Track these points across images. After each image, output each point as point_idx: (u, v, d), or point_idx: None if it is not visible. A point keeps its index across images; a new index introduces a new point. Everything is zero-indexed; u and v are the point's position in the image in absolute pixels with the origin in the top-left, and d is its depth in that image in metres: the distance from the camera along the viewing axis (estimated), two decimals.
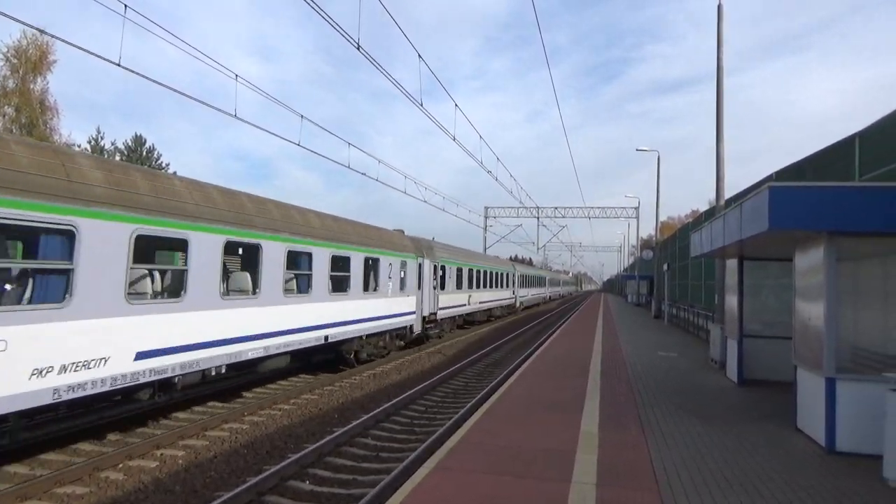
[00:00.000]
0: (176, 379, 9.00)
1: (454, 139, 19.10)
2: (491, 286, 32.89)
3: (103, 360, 7.59)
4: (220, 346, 9.81)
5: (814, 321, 7.33)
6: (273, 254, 11.21)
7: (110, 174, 7.99)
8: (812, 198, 6.92)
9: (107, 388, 7.69)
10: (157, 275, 9.52)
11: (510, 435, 7.34)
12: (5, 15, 8.40)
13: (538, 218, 56.38)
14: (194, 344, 9.23)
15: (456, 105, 18.74)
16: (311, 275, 12.58)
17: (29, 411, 6.92)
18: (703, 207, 46.55)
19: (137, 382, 8.23)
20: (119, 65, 9.54)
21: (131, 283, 8.35)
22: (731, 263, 12.47)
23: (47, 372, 6.80)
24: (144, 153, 46.17)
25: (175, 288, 9.53)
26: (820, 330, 7.04)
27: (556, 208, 56.57)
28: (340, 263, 14.08)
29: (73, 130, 43.23)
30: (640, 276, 49.53)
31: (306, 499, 6.84)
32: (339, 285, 14.13)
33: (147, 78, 10.77)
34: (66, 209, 7.05)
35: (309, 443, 8.86)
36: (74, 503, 6.63)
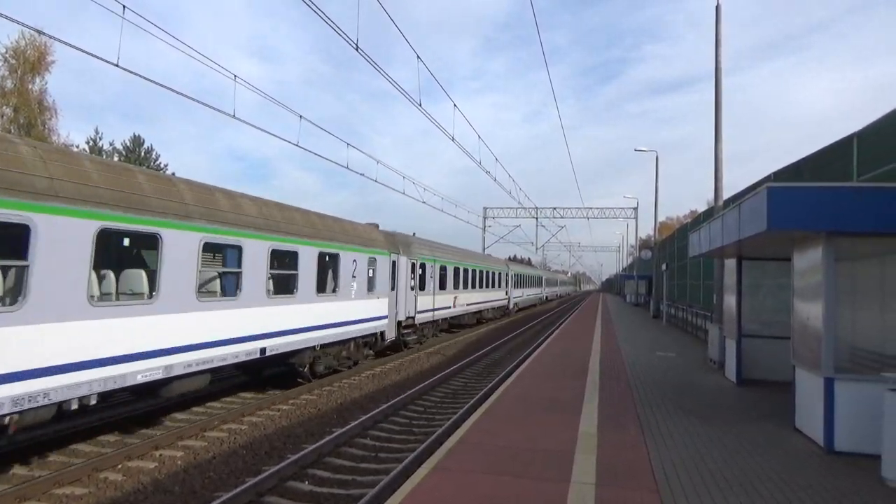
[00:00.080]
0: (6, 419, 6.46)
1: (453, 139, 19.13)
2: (481, 286, 30.78)
3: None
4: (85, 368, 7.26)
5: (812, 321, 7.35)
6: (181, 247, 8.82)
7: None
8: (810, 198, 6.94)
9: None
10: None
11: (509, 435, 7.34)
12: (3, 16, 8.40)
13: (537, 218, 56.43)
14: (41, 368, 6.67)
15: (455, 105, 18.77)
16: (240, 273, 10.21)
17: None
18: (702, 207, 46.72)
19: None
20: (118, 65, 9.55)
21: None
22: (730, 263, 12.49)
23: None
24: (143, 154, 46.11)
25: (13, 291, 6.94)
26: (818, 330, 7.06)
27: (554, 209, 56.60)
28: (285, 259, 11.90)
29: (71, 131, 43.21)
30: (639, 276, 49.59)
31: (305, 499, 6.83)
32: (283, 286, 12.01)
33: (146, 78, 10.78)
34: None
35: (308, 443, 8.86)
36: None
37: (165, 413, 10.42)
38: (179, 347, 8.82)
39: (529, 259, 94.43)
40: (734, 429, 8.02)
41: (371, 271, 15.78)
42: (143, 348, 8.17)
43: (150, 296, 8.54)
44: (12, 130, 33.96)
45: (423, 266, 20.74)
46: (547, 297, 66.21)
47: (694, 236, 13.62)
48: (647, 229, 65.32)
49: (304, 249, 12.19)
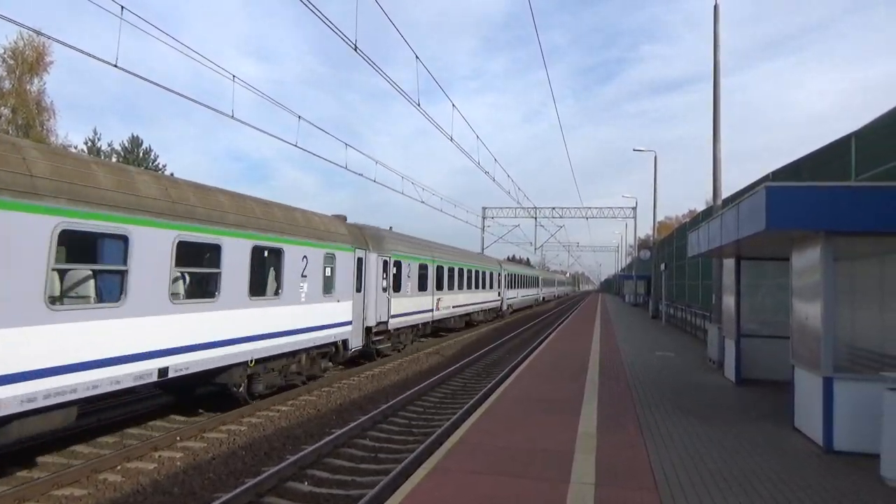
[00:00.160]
0: None
1: (451, 139, 19.14)
2: (469, 287, 28.50)
3: None
4: None
5: (811, 321, 7.36)
6: (22, 236, 6.44)
7: None
8: (809, 198, 6.95)
9: None
10: None
11: (509, 435, 7.34)
12: (2, 16, 8.38)
13: (536, 218, 56.47)
14: None
15: (453, 105, 18.79)
16: (126, 272, 7.87)
17: None
18: (701, 207, 46.76)
19: None
20: (116, 66, 9.54)
21: None
22: (729, 263, 12.50)
23: None
24: (141, 154, 46.10)
25: None
26: (817, 329, 7.06)
27: (553, 208, 56.67)
28: (203, 255, 9.79)
29: (70, 132, 43.11)
30: (638, 276, 49.64)
31: (305, 500, 6.83)
32: (198, 288, 9.89)
33: (144, 79, 10.78)
34: None
35: (307, 444, 8.85)
36: None
37: (164, 414, 10.41)
38: (22, 374, 6.45)
39: (528, 259, 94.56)
40: (733, 428, 8.03)
41: (328, 270, 13.51)
42: None
43: None
44: (10, 131, 33.93)
45: (397, 264, 18.54)
46: (544, 298, 65.32)
47: (693, 236, 13.63)
48: (645, 229, 65.44)
49: (230, 242, 9.89)
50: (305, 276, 12.37)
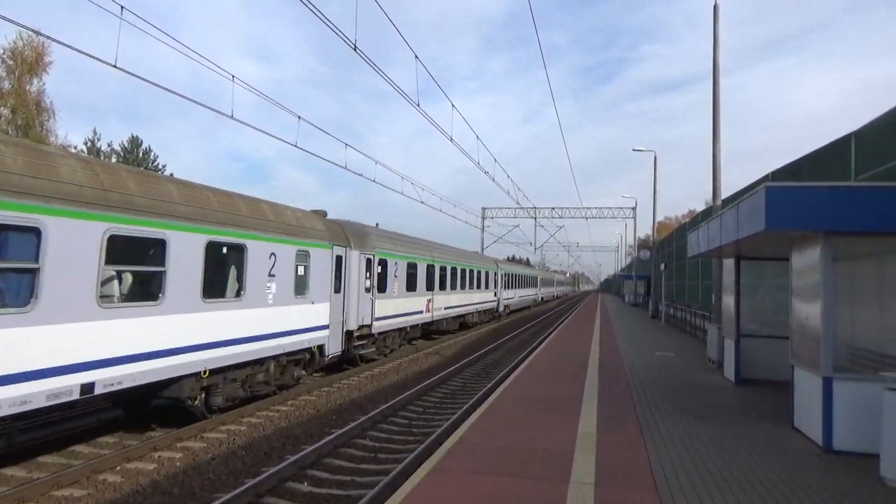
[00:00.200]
0: None
1: (451, 139, 19.14)
2: (463, 287, 27.12)
3: None
4: None
5: (811, 321, 7.36)
6: None
7: None
8: (809, 198, 6.95)
9: None
10: None
11: (508, 435, 7.34)
12: (1, 17, 8.38)
13: (535, 218, 56.52)
14: None
15: (453, 105, 18.80)
16: (38, 270, 6.67)
17: None
18: (700, 207, 46.80)
19: None
20: (115, 66, 9.53)
21: None
22: (728, 263, 12.51)
23: None
24: (141, 154, 46.09)
25: None
26: (817, 329, 7.07)
27: (553, 209, 56.72)
28: (143, 251, 8.69)
29: (69, 132, 43.16)
30: (638, 276, 49.66)
31: (305, 500, 6.83)
32: (136, 290, 8.65)
33: (144, 79, 10.77)
34: None
35: (307, 444, 8.85)
36: None
37: (164, 414, 10.40)
38: None
39: (528, 259, 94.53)
40: (733, 428, 8.03)
41: (301, 269, 12.33)
42: None
43: None
44: (10, 132, 33.92)
45: (383, 263, 17.21)
46: (542, 298, 64.71)
47: (692, 236, 13.64)
48: (645, 229, 65.47)
49: (178, 237, 8.71)
50: (273, 276, 11.22)
